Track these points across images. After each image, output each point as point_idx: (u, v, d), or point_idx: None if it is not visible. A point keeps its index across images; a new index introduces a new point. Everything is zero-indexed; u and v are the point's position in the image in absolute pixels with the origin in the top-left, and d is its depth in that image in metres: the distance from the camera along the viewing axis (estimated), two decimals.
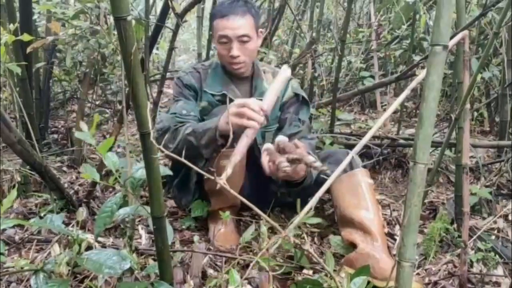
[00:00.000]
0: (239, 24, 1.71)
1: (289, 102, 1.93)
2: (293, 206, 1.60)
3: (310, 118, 2.04)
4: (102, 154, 1.18)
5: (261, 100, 1.58)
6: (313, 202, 1.15)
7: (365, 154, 2.64)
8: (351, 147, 2.71)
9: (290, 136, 1.75)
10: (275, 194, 1.93)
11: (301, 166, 1.53)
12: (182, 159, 0.87)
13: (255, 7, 1.81)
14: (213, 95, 1.84)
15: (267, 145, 1.58)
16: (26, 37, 1.80)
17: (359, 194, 1.71)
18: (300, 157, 1.40)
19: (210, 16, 1.84)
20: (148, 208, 1.16)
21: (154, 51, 3.88)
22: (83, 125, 1.21)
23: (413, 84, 1.12)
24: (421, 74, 1.10)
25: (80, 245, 1.20)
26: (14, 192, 1.07)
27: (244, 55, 1.76)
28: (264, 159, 1.55)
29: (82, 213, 1.32)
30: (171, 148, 1.67)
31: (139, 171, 1.25)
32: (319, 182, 1.61)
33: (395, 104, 1.11)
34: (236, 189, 1.63)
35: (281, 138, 1.56)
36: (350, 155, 1.16)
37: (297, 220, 1.02)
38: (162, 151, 0.87)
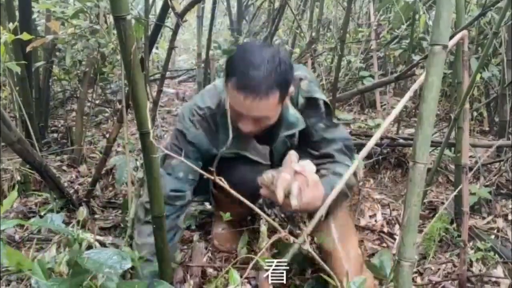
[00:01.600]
0: (259, 106, 1.28)
1: (304, 112, 1.49)
2: None
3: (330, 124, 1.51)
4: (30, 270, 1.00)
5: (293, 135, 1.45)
6: (321, 211, 1.15)
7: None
8: None
9: (322, 158, 1.45)
10: None
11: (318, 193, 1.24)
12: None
13: (287, 70, 1.31)
14: (227, 153, 1.46)
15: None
16: (25, 36, 1.80)
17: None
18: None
19: (226, 64, 1.35)
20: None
21: (154, 50, 3.88)
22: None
23: (415, 85, 1.11)
24: (422, 75, 1.09)
25: (80, 244, 1.20)
26: (14, 193, 1.06)
27: (258, 128, 1.39)
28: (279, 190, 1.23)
29: (82, 212, 1.32)
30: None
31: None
32: None
33: (399, 107, 1.11)
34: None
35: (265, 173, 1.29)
36: (356, 162, 1.14)
37: (308, 229, 1.01)
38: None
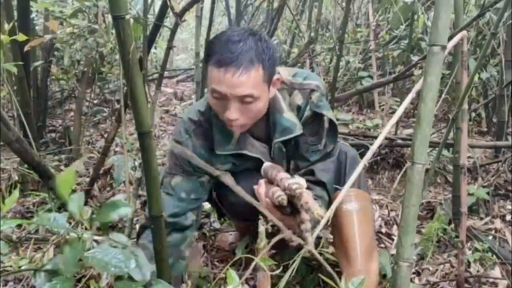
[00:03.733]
0: (241, 81, 1.20)
1: (307, 126, 1.42)
2: None
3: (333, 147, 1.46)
4: (62, 193, 1.06)
5: (288, 140, 1.39)
6: (327, 216, 1.13)
7: (363, 154, 2.64)
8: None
9: (307, 175, 1.40)
10: None
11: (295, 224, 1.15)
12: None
13: (270, 47, 1.26)
14: (225, 156, 1.43)
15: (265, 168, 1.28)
16: (21, 37, 1.80)
17: (346, 241, 1.42)
18: (293, 193, 1.08)
19: (205, 49, 1.29)
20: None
21: (153, 50, 3.88)
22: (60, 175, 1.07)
23: (416, 87, 1.11)
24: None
25: (83, 244, 1.20)
26: (16, 193, 1.06)
27: (246, 117, 1.29)
28: (260, 190, 1.26)
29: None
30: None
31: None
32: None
33: (400, 109, 1.10)
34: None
35: (265, 165, 1.25)
36: (361, 164, 1.13)
37: (315, 234, 1.00)
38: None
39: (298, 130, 1.39)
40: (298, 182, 1.11)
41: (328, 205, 1.37)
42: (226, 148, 1.40)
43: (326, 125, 1.40)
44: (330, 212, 1.00)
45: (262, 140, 1.45)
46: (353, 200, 1.43)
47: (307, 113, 1.39)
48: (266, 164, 1.23)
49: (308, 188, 1.18)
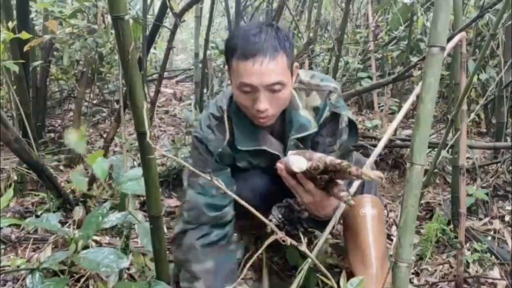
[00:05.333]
0: (269, 68, 1.22)
1: (325, 124, 1.44)
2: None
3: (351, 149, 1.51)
4: (91, 164, 1.15)
5: (304, 138, 1.39)
6: (332, 223, 1.13)
7: (362, 155, 2.65)
8: None
9: None
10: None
11: (331, 200, 1.20)
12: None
13: (289, 36, 1.29)
14: (246, 151, 1.43)
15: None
16: (24, 35, 1.80)
17: (361, 245, 1.42)
18: (332, 165, 1.03)
19: (226, 48, 1.30)
20: (139, 214, 1.16)
21: (152, 50, 3.88)
22: (71, 132, 1.19)
23: (417, 89, 1.11)
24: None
25: (76, 244, 1.20)
26: (10, 192, 1.07)
27: (275, 106, 1.29)
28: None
29: (78, 212, 1.32)
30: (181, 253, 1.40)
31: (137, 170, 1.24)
32: None
33: (402, 112, 1.10)
34: None
35: (289, 154, 1.18)
36: (364, 167, 1.12)
37: (320, 242, 0.99)
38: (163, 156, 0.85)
39: (313, 128, 1.40)
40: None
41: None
42: (247, 144, 1.41)
43: (343, 124, 1.42)
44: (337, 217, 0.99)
45: (277, 138, 1.45)
46: (370, 205, 1.44)
47: (326, 113, 1.41)
48: (291, 152, 1.19)
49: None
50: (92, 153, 2.70)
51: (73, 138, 1.15)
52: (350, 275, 1.40)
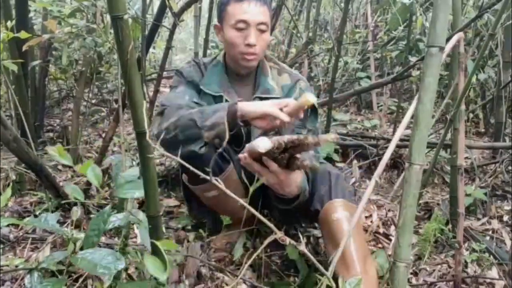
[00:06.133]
0: (259, 10, 1.55)
1: None
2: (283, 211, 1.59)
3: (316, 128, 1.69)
4: (83, 172, 1.18)
5: (266, 98, 1.55)
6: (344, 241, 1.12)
7: (360, 155, 2.65)
8: (347, 147, 2.72)
9: None
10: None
11: (295, 175, 1.34)
12: (179, 159, 0.86)
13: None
14: (210, 95, 1.64)
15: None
16: (23, 34, 1.80)
17: (344, 252, 1.40)
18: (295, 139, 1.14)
19: (220, 3, 1.62)
20: (140, 213, 1.16)
21: (151, 50, 3.87)
22: (51, 149, 1.21)
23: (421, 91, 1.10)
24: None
25: (75, 244, 1.20)
26: (8, 191, 1.07)
27: (260, 46, 1.58)
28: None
29: (77, 212, 1.32)
30: (169, 127, 1.47)
31: (134, 169, 1.24)
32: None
33: (409, 111, 1.09)
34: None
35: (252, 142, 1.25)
36: (373, 180, 1.12)
37: (336, 257, 0.97)
38: (165, 155, 0.84)
39: (277, 94, 1.64)
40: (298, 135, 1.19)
41: (316, 215, 1.51)
42: (212, 88, 1.64)
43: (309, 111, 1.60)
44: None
45: (243, 97, 1.62)
46: (342, 209, 1.48)
47: (295, 95, 1.64)
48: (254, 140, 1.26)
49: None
50: (91, 152, 2.72)
51: (55, 153, 1.15)
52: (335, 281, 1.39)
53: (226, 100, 1.60)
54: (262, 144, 1.16)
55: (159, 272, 1.05)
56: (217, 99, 1.63)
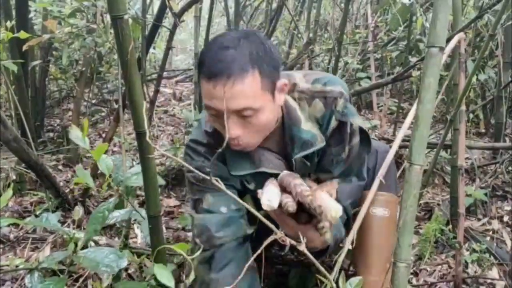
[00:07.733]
0: (234, 92, 1.03)
1: (332, 137, 1.26)
2: None
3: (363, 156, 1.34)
4: (96, 159, 1.18)
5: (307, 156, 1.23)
6: (358, 222, 1.11)
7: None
8: None
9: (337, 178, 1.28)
10: None
11: (313, 233, 1.02)
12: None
13: (268, 50, 1.09)
14: (242, 176, 1.26)
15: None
16: (23, 35, 1.80)
17: (365, 246, 1.32)
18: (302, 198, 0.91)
19: (198, 69, 1.10)
20: (143, 210, 1.16)
21: (151, 50, 3.87)
22: (75, 128, 1.21)
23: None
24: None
25: (76, 243, 1.20)
26: (9, 191, 1.07)
27: (250, 133, 1.12)
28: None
29: (78, 211, 1.32)
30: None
31: (134, 170, 1.25)
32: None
33: (411, 112, 1.09)
34: None
35: (282, 174, 1.03)
36: (377, 180, 1.11)
37: (337, 268, 0.96)
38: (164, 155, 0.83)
39: (320, 143, 1.24)
40: (310, 187, 0.96)
41: (347, 225, 1.27)
42: (243, 167, 1.24)
43: (349, 130, 1.24)
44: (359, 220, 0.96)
45: (280, 155, 1.28)
46: (383, 205, 1.34)
47: (332, 124, 1.23)
48: (284, 172, 1.05)
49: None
50: (91, 152, 2.72)
51: (77, 134, 1.15)
52: (354, 274, 1.36)
53: (266, 173, 1.21)
54: (267, 202, 0.92)
55: (169, 280, 1.04)
56: (255, 175, 1.25)
